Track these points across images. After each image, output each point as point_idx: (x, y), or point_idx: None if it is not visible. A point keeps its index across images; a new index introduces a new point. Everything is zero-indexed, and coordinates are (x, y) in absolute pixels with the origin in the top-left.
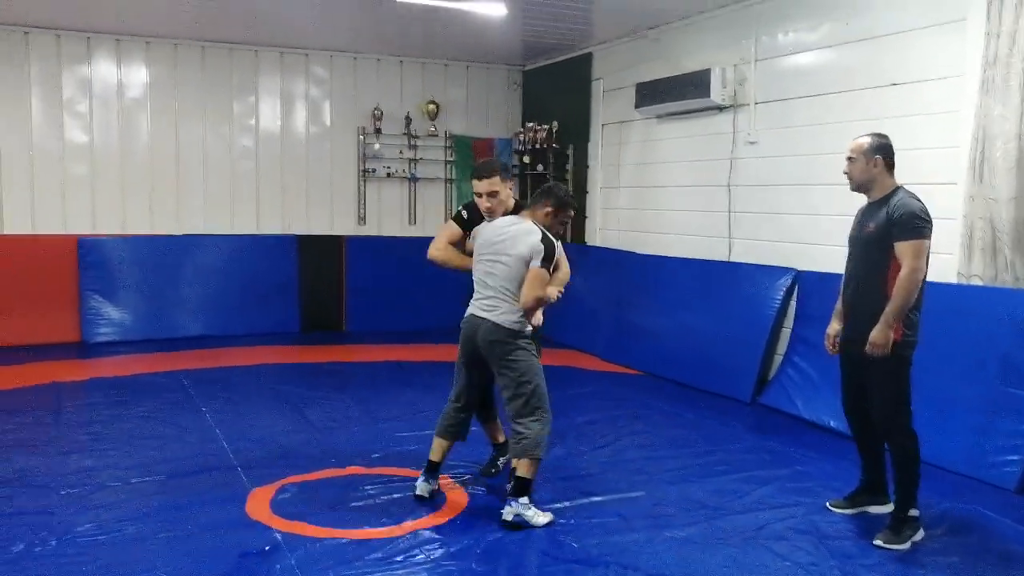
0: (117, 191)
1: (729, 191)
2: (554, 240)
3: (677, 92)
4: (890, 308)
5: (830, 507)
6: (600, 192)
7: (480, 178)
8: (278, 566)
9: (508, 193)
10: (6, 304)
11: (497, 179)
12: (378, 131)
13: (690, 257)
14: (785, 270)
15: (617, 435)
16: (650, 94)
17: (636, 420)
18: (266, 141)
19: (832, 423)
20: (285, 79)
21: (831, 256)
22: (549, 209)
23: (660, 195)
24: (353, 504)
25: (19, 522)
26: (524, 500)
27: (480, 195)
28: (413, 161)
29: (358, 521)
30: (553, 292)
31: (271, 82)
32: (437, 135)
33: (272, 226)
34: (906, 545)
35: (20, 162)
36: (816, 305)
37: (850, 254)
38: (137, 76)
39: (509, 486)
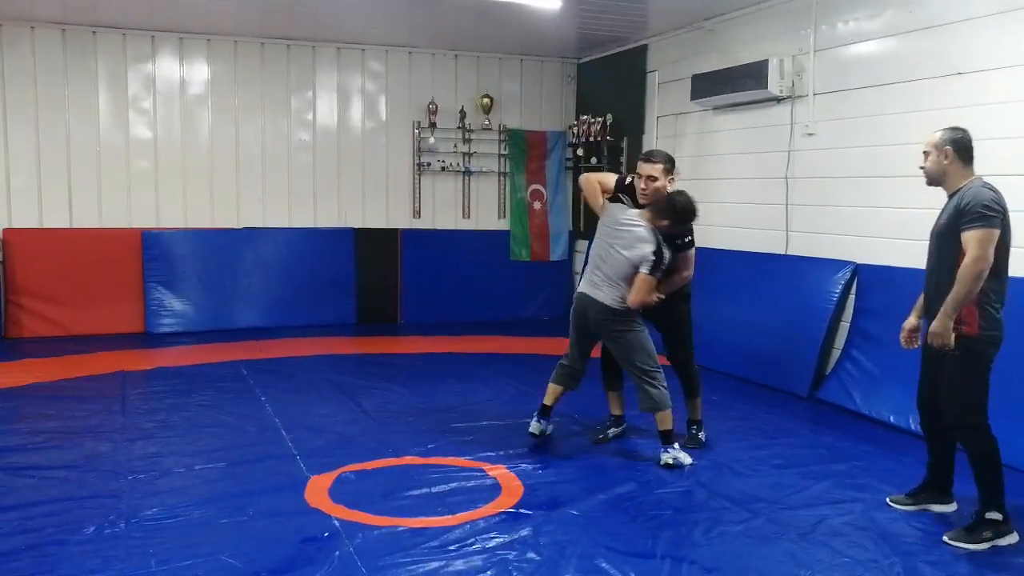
0: (179, 185)
1: (786, 183)
2: (665, 251)
3: (734, 83)
4: (949, 298)
5: (890, 503)
6: None
7: (647, 161)
8: (337, 553)
9: (665, 185)
10: (74, 295)
11: (660, 167)
12: (433, 125)
13: (747, 250)
14: (844, 263)
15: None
16: (706, 86)
17: None
18: (323, 135)
19: (891, 419)
20: (341, 74)
21: (891, 249)
22: (666, 223)
23: (716, 187)
24: (409, 493)
25: (90, 505)
26: (674, 446)
27: (640, 176)
28: (467, 155)
29: (414, 510)
30: (653, 296)
31: (328, 77)
32: (491, 129)
33: (329, 219)
34: (981, 546)
35: (88, 158)
36: (875, 299)
37: (929, 248)
38: (199, 73)
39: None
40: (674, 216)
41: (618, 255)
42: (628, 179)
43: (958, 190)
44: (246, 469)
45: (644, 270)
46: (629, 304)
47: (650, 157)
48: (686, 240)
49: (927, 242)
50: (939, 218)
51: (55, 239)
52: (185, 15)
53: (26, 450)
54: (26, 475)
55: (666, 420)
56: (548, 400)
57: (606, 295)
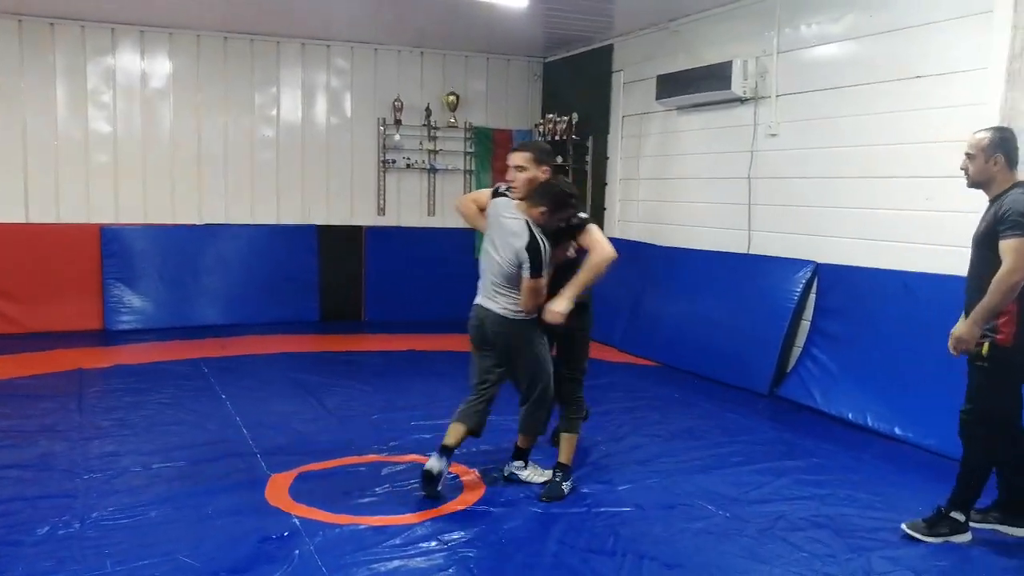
0: (139, 181)
1: (749, 183)
2: (541, 244)
3: (698, 84)
4: (980, 305)
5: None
6: (620, 184)
7: (515, 151)
8: (297, 552)
9: (536, 176)
10: (31, 291)
11: (528, 155)
12: (398, 122)
13: (709, 249)
14: (804, 262)
15: (634, 425)
16: (671, 86)
17: (653, 411)
18: (287, 132)
19: (850, 416)
20: (306, 70)
21: (851, 249)
22: (544, 209)
23: (680, 187)
24: (371, 491)
25: (44, 505)
26: (519, 463)
27: (508, 167)
28: (433, 152)
29: (376, 508)
30: (561, 312)
31: (292, 73)
32: (457, 126)
33: (292, 216)
34: (935, 540)
35: (45, 151)
36: (835, 298)
37: (970, 256)
38: (160, 67)
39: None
40: (550, 200)
41: (498, 257)
42: (504, 186)
43: (999, 194)
44: (205, 468)
45: (526, 274)
46: (524, 309)
47: (518, 146)
48: (581, 217)
49: (886, 242)
50: (979, 224)
51: (10, 234)
52: (146, 8)
53: None
54: None
55: (532, 442)
56: (450, 440)
57: (499, 304)
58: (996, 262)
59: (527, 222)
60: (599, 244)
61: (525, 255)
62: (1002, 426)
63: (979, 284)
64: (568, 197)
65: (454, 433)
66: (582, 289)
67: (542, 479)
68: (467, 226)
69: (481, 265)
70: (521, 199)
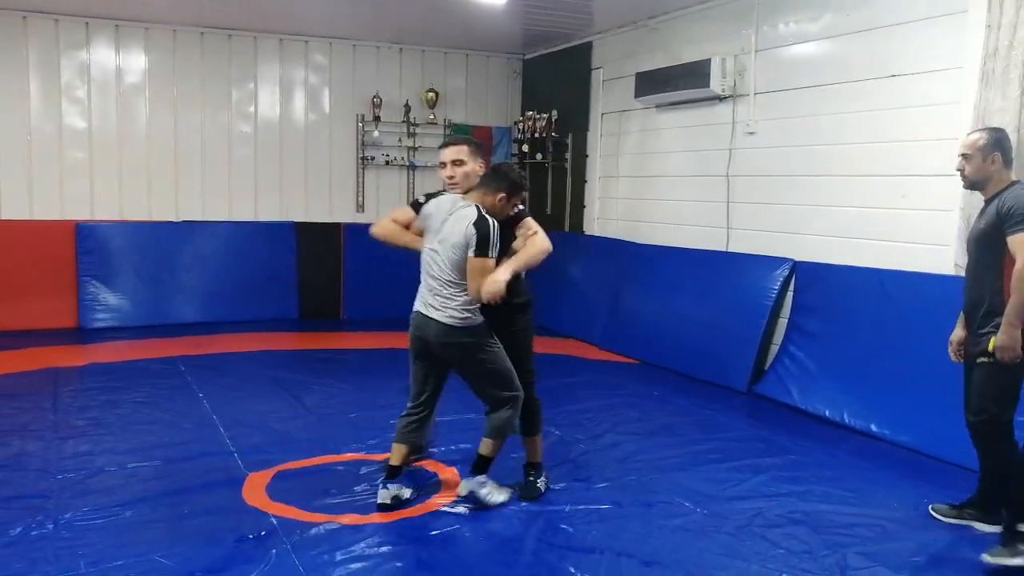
0: (115, 177)
1: (728, 181)
2: (491, 221)
3: (677, 82)
4: (1009, 307)
5: (932, 512)
6: (599, 181)
7: (447, 146)
8: (274, 551)
9: (475, 170)
10: (4, 289)
11: (466, 148)
12: (377, 119)
13: (688, 247)
14: (782, 260)
15: (613, 423)
16: (650, 84)
17: (632, 408)
18: (265, 128)
19: (827, 413)
20: (284, 66)
21: (828, 247)
22: (503, 195)
23: (659, 185)
24: (349, 490)
25: (16, 505)
26: (480, 479)
27: (444, 164)
28: (412, 149)
29: (354, 507)
30: (502, 282)
31: (270, 69)
32: (436, 123)
33: (270, 213)
34: (1020, 560)
35: (18, 147)
36: (813, 295)
37: (967, 257)
38: (136, 62)
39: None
40: (507, 183)
41: (443, 247)
42: (423, 197)
43: (997, 193)
44: (182, 467)
45: (471, 253)
46: (473, 297)
47: (449, 141)
48: (519, 208)
49: (863, 240)
50: (976, 223)
51: None
52: (121, 2)
53: None
54: None
55: (496, 449)
56: (395, 460)
57: (444, 312)
58: (997, 261)
59: (477, 207)
60: (541, 233)
61: (472, 231)
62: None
63: (980, 283)
64: (522, 179)
65: (397, 453)
66: (521, 268)
67: (502, 498)
68: None
69: (423, 269)
70: (465, 193)
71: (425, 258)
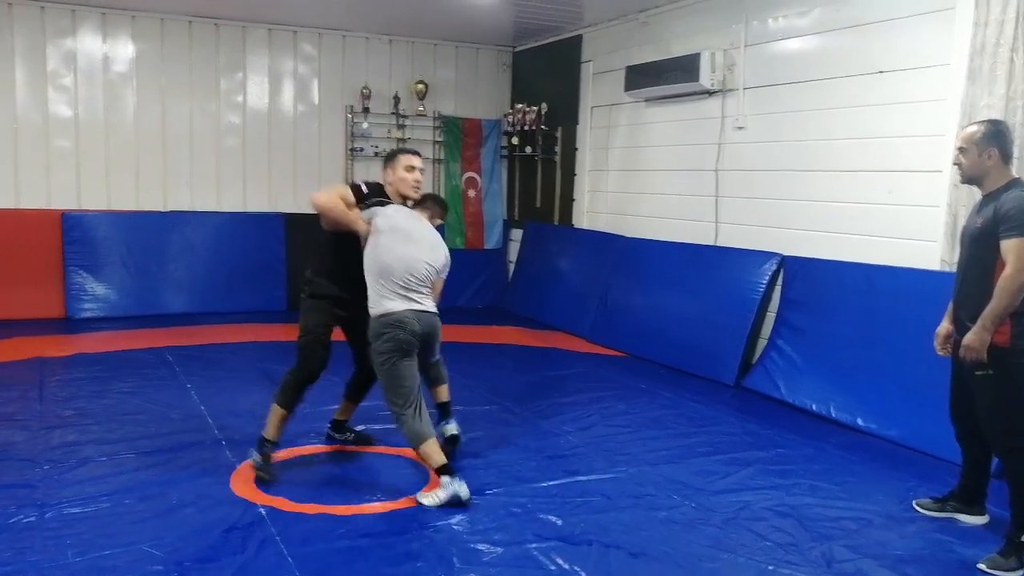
0: (102, 166)
1: (717, 175)
2: None
3: (666, 76)
4: (988, 310)
5: (916, 506)
6: (588, 175)
7: (414, 153)
8: (262, 541)
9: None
10: None
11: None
12: (366, 110)
13: (676, 241)
14: (770, 254)
15: (601, 416)
16: (640, 77)
17: (620, 401)
18: (253, 118)
19: (814, 407)
20: (273, 56)
21: (816, 241)
22: (440, 222)
23: (648, 178)
24: (337, 480)
25: (2, 495)
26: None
27: (413, 168)
28: (401, 141)
29: (342, 497)
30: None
31: (259, 59)
32: (426, 115)
33: (259, 204)
34: (1015, 573)
35: (3, 135)
36: (800, 289)
37: (960, 251)
38: (123, 50)
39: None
40: (444, 209)
41: (428, 266)
42: (364, 186)
43: (996, 190)
44: (170, 457)
45: (444, 275)
46: (436, 300)
47: (414, 150)
48: None
49: (849, 235)
50: (972, 218)
51: None
52: None
53: None
54: None
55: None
56: (443, 458)
57: (429, 304)
58: (990, 260)
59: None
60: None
61: (448, 259)
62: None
63: (971, 281)
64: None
65: (439, 451)
66: None
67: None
68: None
69: (401, 269)
70: (414, 205)
71: (405, 262)
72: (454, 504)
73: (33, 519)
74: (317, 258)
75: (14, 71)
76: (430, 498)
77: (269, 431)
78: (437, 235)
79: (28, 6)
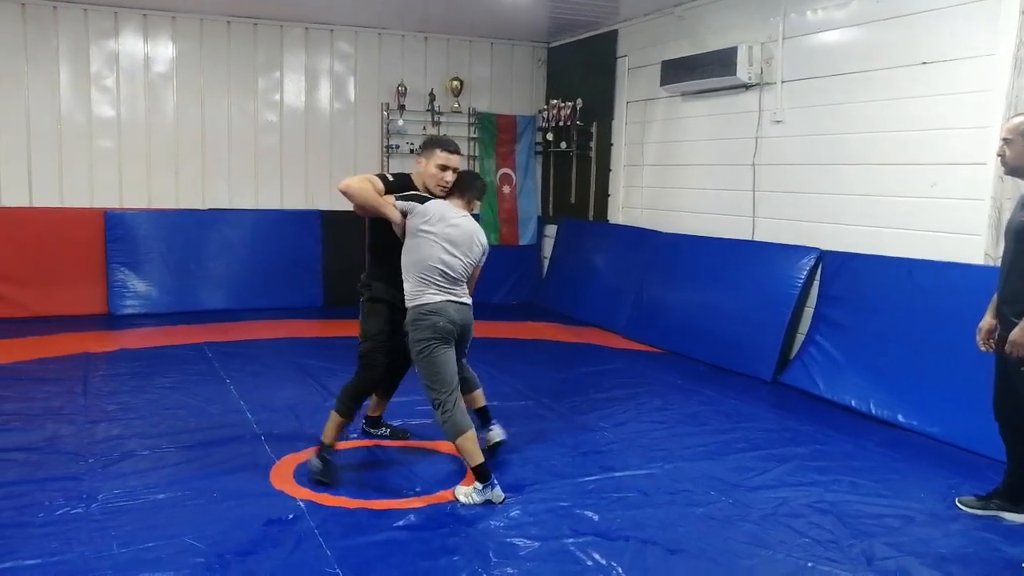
0: (143, 165)
1: (754, 170)
2: None
3: (703, 70)
4: None
5: (959, 504)
6: (624, 170)
7: (455, 152)
8: (301, 534)
9: None
10: (35, 275)
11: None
12: (402, 107)
13: (714, 236)
14: (809, 249)
15: (638, 412)
16: (676, 72)
17: (657, 397)
18: (290, 116)
19: (853, 403)
20: (310, 54)
21: (856, 236)
22: (478, 205)
23: (684, 173)
24: (375, 475)
25: (51, 487)
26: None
27: (446, 169)
28: None
29: (380, 491)
30: None
31: (296, 57)
32: (461, 112)
33: (296, 202)
34: None
35: (49, 136)
36: (839, 285)
37: (1004, 245)
38: (164, 51)
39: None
40: (482, 192)
41: (467, 259)
42: (390, 175)
43: None
44: (210, 451)
45: (481, 263)
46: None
47: (455, 147)
48: None
49: (891, 230)
50: (1017, 212)
51: (15, 218)
52: None
53: None
54: None
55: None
56: (479, 456)
57: (467, 297)
58: None
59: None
60: None
61: (487, 249)
62: None
63: (1016, 276)
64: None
65: (477, 445)
66: None
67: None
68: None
69: (436, 264)
70: (445, 197)
71: (443, 257)
72: (489, 504)
73: (80, 511)
74: (371, 261)
75: (59, 73)
76: (465, 496)
77: (327, 436)
78: (476, 226)
79: (72, 8)
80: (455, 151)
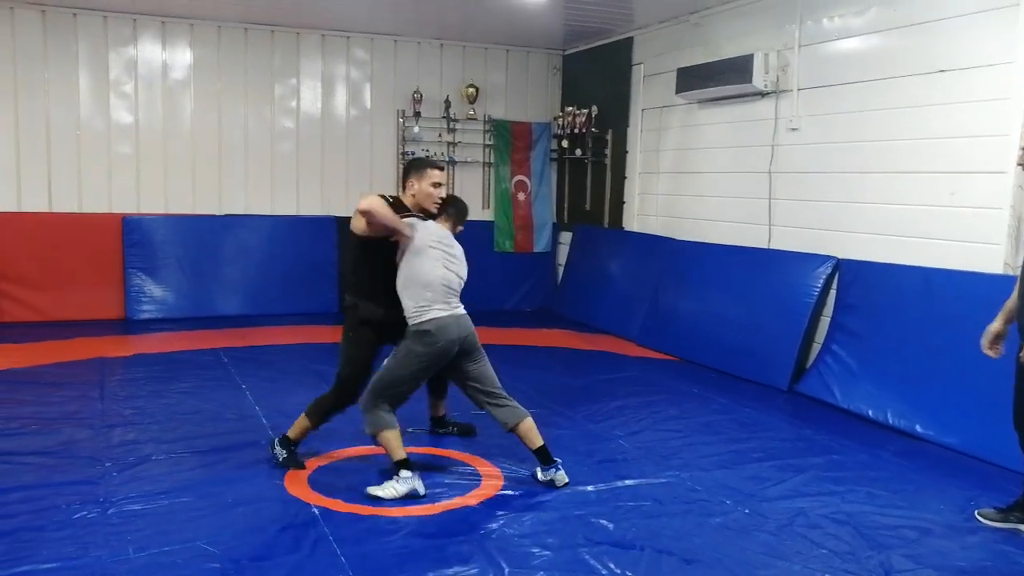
0: (160, 171)
1: (770, 178)
2: None
3: (719, 77)
4: None
5: (978, 516)
6: (639, 178)
7: (441, 169)
8: (315, 540)
9: None
10: (53, 280)
11: None
12: (417, 114)
13: (729, 244)
14: (825, 258)
15: (652, 420)
16: (691, 79)
17: (671, 406)
18: (307, 123)
19: (870, 413)
20: (326, 61)
21: (872, 245)
22: (460, 229)
23: (699, 181)
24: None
25: (67, 491)
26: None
27: (439, 185)
28: (452, 144)
29: (395, 498)
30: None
31: (312, 64)
32: (476, 119)
33: (312, 207)
34: None
35: (68, 141)
36: (856, 294)
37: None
38: (181, 57)
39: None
40: (464, 218)
41: (460, 279)
42: (391, 198)
43: None
44: (225, 456)
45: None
46: None
47: (440, 163)
48: None
49: (908, 238)
50: None
51: (34, 223)
52: None
53: (2, 436)
54: (1, 461)
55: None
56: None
57: (462, 308)
58: None
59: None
60: None
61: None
62: None
63: None
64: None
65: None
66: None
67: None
68: (485, 218)
69: (440, 280)
70: (433, 217)
71: (444, 274)
72: (412, 497)
73: (96, 515)
74: (355, 279)
75: (78, 79)
76: (386, 490)
77: (294, 433)
78: (461, 253)
79: (92, 15)
80: (442, 167)
